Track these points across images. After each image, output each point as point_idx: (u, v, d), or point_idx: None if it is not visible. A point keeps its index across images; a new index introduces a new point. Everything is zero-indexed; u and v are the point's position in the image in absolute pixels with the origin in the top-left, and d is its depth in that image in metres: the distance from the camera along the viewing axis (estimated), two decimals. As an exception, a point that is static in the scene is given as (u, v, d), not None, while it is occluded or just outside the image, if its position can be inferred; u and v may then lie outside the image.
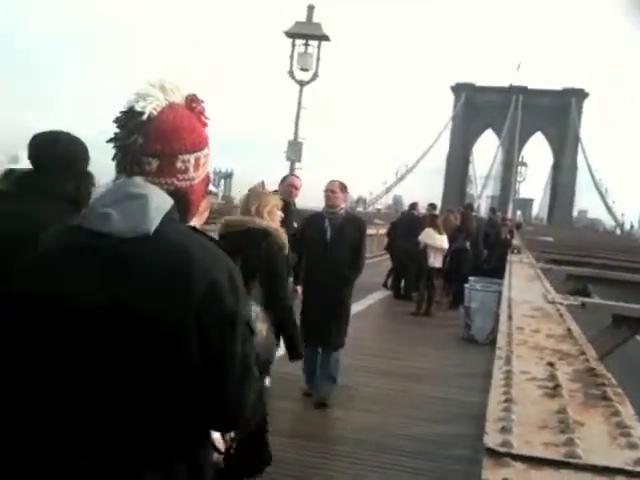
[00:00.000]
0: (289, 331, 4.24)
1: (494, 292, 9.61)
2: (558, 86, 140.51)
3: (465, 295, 10.89)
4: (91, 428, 1.42)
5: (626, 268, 13.79)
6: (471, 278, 11.35)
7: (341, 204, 6.19)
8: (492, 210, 18.28)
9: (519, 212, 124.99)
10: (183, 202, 1.56)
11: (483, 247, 14.29)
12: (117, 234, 1.44)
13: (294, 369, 5.60)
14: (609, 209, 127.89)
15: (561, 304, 4.68)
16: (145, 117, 1.52)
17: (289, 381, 6.06)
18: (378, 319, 12.00)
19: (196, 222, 1.65)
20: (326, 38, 19.17)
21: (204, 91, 1.65)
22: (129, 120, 1.53)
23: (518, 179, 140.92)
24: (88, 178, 2.45)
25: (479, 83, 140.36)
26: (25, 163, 2.53)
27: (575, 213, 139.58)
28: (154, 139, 1.52)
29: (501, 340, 3.10)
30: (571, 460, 1.60)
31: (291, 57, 19.24)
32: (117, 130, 1.55)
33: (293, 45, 19.24)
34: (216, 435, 1.68)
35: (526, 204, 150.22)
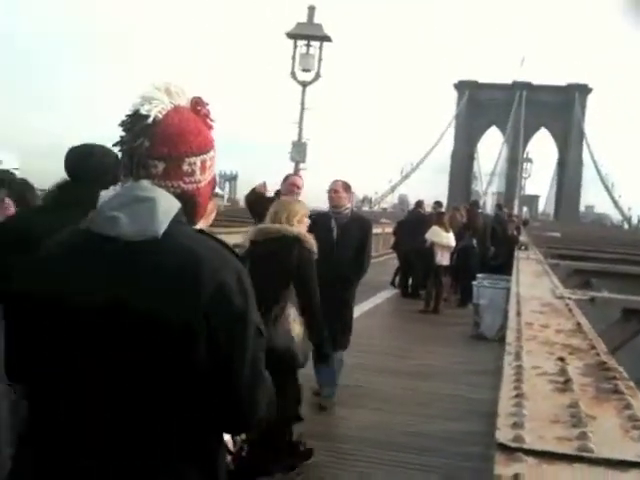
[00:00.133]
0: (318, 334, 4.37)
1: (502, 289, 9.59)
2: (562, 82, 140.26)
3: (473, 292, 10.86)
4: (91, 428, 1.43)
5: (634, 261, 13.76)
6: (479, 275, 11.33)
7: (346, 204, 6.14)
8: (498, 206, 18.25)
9: (525, 208, 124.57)
10: (190, 205, 1.56)
11: (490, 244, 14.26)
12: (125, 238, 1.44)
13: (305, 368, 5.59)
14: (616, 204, 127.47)
15: (570, 299, 4.68)
16: (151, 120, 1.52)
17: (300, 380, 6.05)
18: (386, 317, 11.99)
19: (203, 224, 1.65)
20: (328, 39, 19.19)
21: (206, 93, 1.65)
22: (135, 123, 1.53)
23: (523, 175, 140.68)
24: None
25: (482, 80, 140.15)
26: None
27: (582, 208, 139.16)
28: (160, 142, 1.52)
29: (510, 336, 3.10)
30: (584, 454, 1.60)
31: (293, 58, 19.27)
32: (123, 133, 1.55)
33: (295, 46, 19.28)
34: (226, 437, 1.68)
35: (532, 200, 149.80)
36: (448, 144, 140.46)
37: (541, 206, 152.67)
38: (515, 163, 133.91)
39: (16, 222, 2.85)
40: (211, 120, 1.64)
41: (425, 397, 6.61)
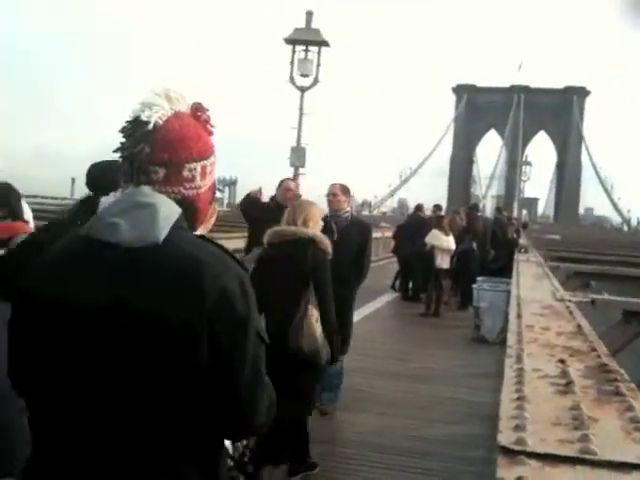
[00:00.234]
0: (331, 332, 4.42)
1: (503, 291, 9.59)
2: (560, 84, 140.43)
3: (474, 295, 10.87)
4: (91, 428, 1.43)
5: (634, 264, 13.77)
6: (479, 278, 11.33)
7: (345, 207, 6.07)
8: (498, 210, 18.26)
9: (525, 211, 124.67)
10: (190, 210, 1.57)
11: (490, 247, 14.27)
12: (125, 244, 1.44)
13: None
14: (615, 206, 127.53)
15: (570, 301, 4.68)
16: (151, 126, 1.52)
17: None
18: (387, 321, 11.99)
19: (202, 230, 1.66)
20: (326, 44, 19.21)
21: (204, 99, 1.66)
22: (135, 129, 1.53)
23: (522, 178, 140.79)
24: None
25: (480, 84, 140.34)
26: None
27: (581, 211, 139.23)
28: (160, 148, 1.53)
29: (511, 339, 3.10)
30: (586, 456, 1.60)
31: (291, 63, 19.29)
32: (123, 140, 1.56)
33: (293, 51, 19.29)
34: (227, 442, 1.68)
35: (531, 203, 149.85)
36: (447, 148, 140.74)
37: (540, 209, 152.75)
38: (514, 166, 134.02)
39: (50, 237, 2.89)
40: (211, 126, 1.65)
41: (426, 400, 6.61)
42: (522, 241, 15.68)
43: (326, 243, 4.43)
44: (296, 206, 4.64)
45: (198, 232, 1.62)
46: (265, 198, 6.72)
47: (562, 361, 2.62)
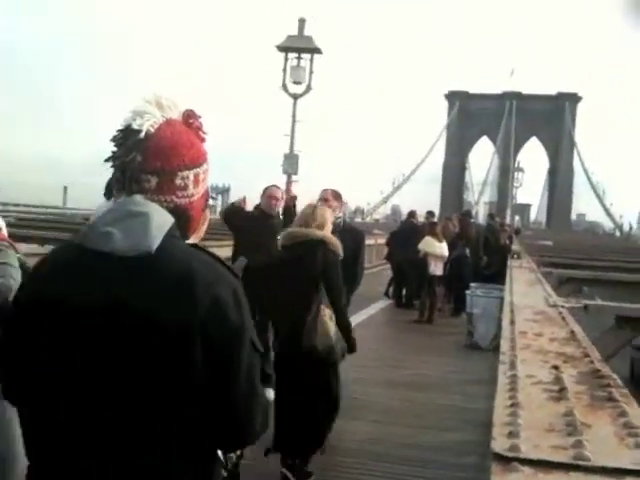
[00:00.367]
0: (346, 328, 4.56)
1: (496, 298, 9.60)
2: (552, 91, 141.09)
3: (467, 301, 10.88)
4: (91, 428, 1.42)
5: (626, 269, 13.81)
6: (472, 284, 11.35)
7: (336, 213, 5.94)
8: (490, 216, 18.29)
9: (517, 217, 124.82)
10: (183, 219, 1.56)
11: (483, 253, 14.30)
12: (118, 253, 1.44)
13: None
14: (607, 211, 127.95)
15: (563, 307, 4.69)
16: (143, 135, 1.52)
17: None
18: (381, 328, 11.98)
19: (194, 238, 1.65)
20: (318, 51, 19.28)
21: (196, 106, 1.65)
22: (127, 138, 1.53)
23: (515, 184, 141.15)
24: None
25: (472, 90, 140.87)
26: None
27: (573, 216, 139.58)
28: (153, 156, 1.52)
29: (504, 345, 3.10)
30: (580, 462, 1.60)
31: (284, 70, 19.34)
32: (115, 149, 1.55)
33: (286, 59, 19.35)
34: (219, 453, 1.67)
35: (524, 209, 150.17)
36: (439, 154, 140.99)
37: (533, 215, 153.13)
38: (506, 172, 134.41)
39: None
40: (203, 133, 1.64)
41: (421, 408, 6.60)
42: (515, 247, 15.70)
43: (336, 244, 4.53)
44: (311, 209, 4.70)
45: (190, 240, 1.62)
46: (251, 207, 6.66)
47: (555, 367, 2.62)
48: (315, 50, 19.21)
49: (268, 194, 6.50)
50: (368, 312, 12.57)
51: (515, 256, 12.95)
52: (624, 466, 1.58)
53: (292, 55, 19.28)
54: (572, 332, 3.55)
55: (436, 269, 12.27)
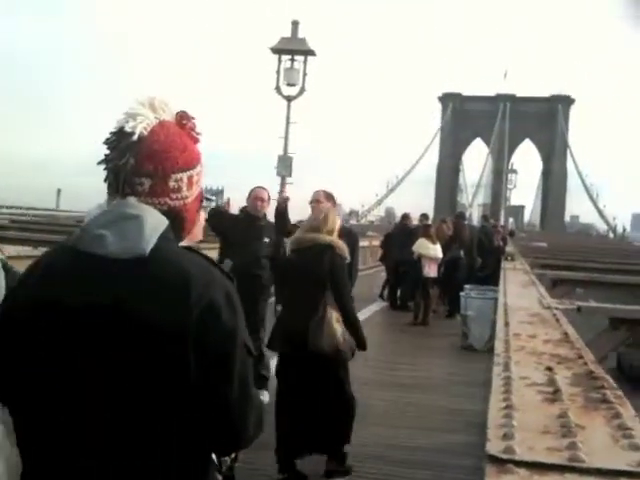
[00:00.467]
0: (355, 327, 4.77)
1: (490, 299, 9.61)
2: (545, 93, 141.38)
3: (461, 303, 10.89)
4: (91, 428, 1.42)
5: (620, 270, 13.83)
6: (466, 286, 11.36)
7: None
8: (484, 218, 18.34)
9: (511, 219, 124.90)
10: (177, 221, 1.56)
11: (477, 255, 14.31)
12: (112, 255, 1.44)
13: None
14: (601, 213, 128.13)
15: (557, 309, 4.70)
16: (136, 137, 1.51)
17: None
18: (375, 330, 11.94)
19: (189, 240, 1.65)
20: (312, 53, 19.28)
21: (190, 108, 1.65)
22: (120, 141, 1.52)
23: (509, 186, 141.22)
24: None
25: (466, 92, 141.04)
26: None
27: (567, 218, 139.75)
28: (146, 159, 1.52)
29: (499, 346, 3.10)
30: (575, 464, 1.60)
31: (277, 72, 19.32)
32: (107, 152, 1.55)
33: (279, 61, 19.34)
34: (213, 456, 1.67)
35: (518, 211, 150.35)
36: (433, 157, 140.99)
37: (527, 217, 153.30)
38: (500, 174, 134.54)
39: None
40: (197, 134, 1.64)
41: (417, 410, 6.61)
42: (509, 249, 15.73)
43: (343, 249, 4.71)
44: (323, 215, 4.81)
45: (186, 242, 1.61)
46: (236, 209, 6.61)
47: (549, 369, 2.62)
48: (309, 52, 19.21)
49: (254, 195, 6.38)
50: (363, 314, 12.53)
51: (509, 258, 12.96)
52: (619, 467, 1.59)
53: (286, 57, 19.28)
54: (566, 334, 3.56)
55: (430, 271, 12.28)
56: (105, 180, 1.56)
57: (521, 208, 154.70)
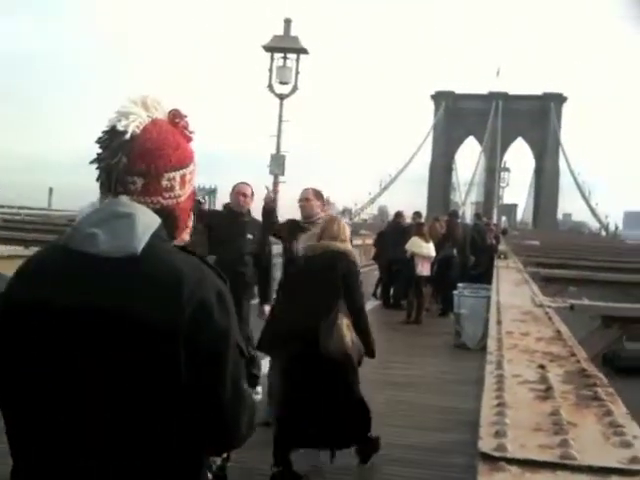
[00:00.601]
0: (366, 334, 4.78)
1: (483, 298, 9.63)
2: (537, 91, 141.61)
3: (454, 302, 10.91)
4: (91, 428, 1.42)
5: (612, 269, 13.89)
6: (459, 284, 11.38)
7: (319, 212, 5.74)
8: (477, 216, 18.34)
9: (504, 217, 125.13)
10: (170, 220, 1.55)
11: (470, 253, 14.34)
12: (104, 254, 1.43)
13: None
14: (593, 211, 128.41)
15: (549, 307, 4.71)
16: (128, 136, 1.51)
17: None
18: (368, 329, 11.96)
19: (182, 239, 1.64)
20: (304, 51, 19.27)
21: (183, 106, 1.64)
22: (112, 140, 1.52)
23: (501, 185, 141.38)
24: None
25: (459, 91, 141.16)
26: None
27: (559, 216, 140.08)
28: (138, 158, 1.51)
29: (491, 345, 3.11)
30: (566, 461, 1.60)
31: (270, 71, 19.30)
32: (100, 151, 1.54)
33: (272, 59, 19.32)
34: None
35: (510, 209, 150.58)
36: (426, 155, 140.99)
37: (519, 215, 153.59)
38: (493, 172, 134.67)
39: None
40: (190, 132, 1.63)
41: (410, 408, 6.61)
42: (501, 247, 15.76)
43: (355, 256, 4.89)
44: (337, 225, 4.87)
45: (177, 241, 1.61)
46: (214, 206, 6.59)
47: (542, 367, 2.63)
48: (301, 50, 19.20)
49: (237, 191, 6.23)
50: (356, 313, 12.56)
51: (502, 256, 12.99)
52: (610, 465, 1.59)
53: (278, 55, 19.26)
54: (558, 331, 3.57)
55: (423, 269, 12.29)
56: (97, 179, 1.55)
57: (514, 206, 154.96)
